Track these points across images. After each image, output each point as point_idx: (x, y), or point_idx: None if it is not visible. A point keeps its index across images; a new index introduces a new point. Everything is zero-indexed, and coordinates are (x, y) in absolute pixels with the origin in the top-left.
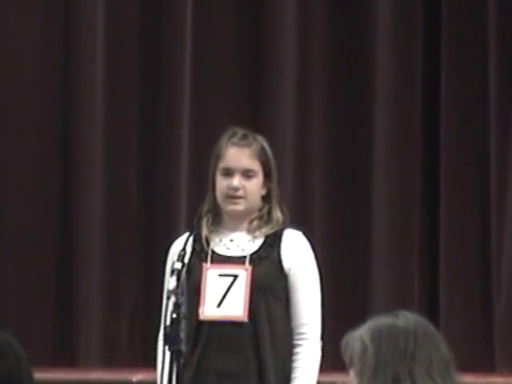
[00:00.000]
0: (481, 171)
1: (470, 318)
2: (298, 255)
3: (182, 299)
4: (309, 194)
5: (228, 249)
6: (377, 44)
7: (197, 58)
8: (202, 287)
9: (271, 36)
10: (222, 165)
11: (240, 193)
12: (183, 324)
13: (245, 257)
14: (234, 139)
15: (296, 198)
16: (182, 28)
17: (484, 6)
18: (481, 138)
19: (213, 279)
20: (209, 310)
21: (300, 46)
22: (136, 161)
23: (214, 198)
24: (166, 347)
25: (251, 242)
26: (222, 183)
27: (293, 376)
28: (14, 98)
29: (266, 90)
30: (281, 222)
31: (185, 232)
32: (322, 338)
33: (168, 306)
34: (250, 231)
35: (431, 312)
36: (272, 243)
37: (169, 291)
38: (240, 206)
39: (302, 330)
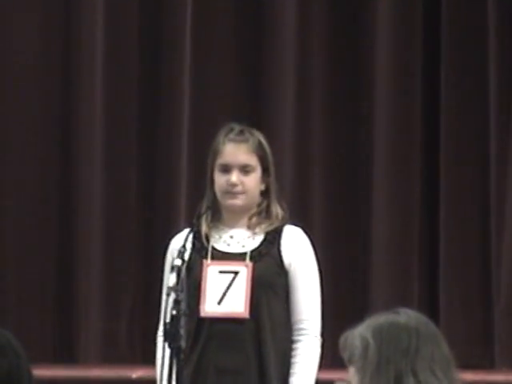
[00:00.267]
0: (481, 171)
1: (470, 316)
2: (298, 251)
3: (182, 296)
4: (308, 194)
5: (228, 245)
6: (377, 44)
7: (196, 57)
8: (203, 284)
9: (271, 36)
10: (219, 161)
11: (238, 188)
12: (183, 321)
13: (245, 253)
14: (231, 135)
15: (296, 198)
16: (182, 28)
17: (484, 6)
18: (481, 138)
19: (213, 276)
20: (210, 307)
21: (300, 45)
22: (136, 161)
23: (213, 195)
24: (166, 344)
25: (251, 238)
26: (220, 179)
27: (292, 371)
28: (14, 97)
29: (266, 90)
30: (280, 217)
31: (184, 228)
32: (322, 334)
33: (168, 303)
34: (249, 227)
35: (431, 311)
36: (272, 240)
37: (169, 288)
38: (239, 201)
39: (301, 326)
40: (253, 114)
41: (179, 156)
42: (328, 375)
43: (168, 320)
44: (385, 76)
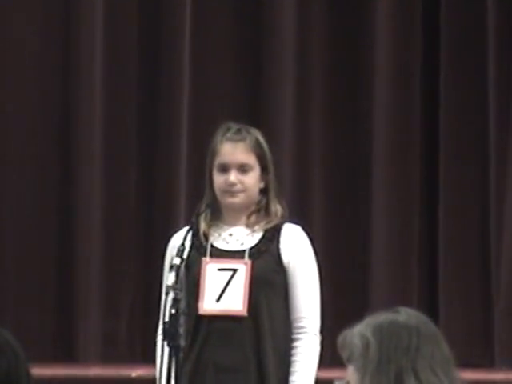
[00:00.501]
0: (481, 171)
1: (470, 315)
2: (297, 249)
3: (181, 295)
4: (308, 194)
5: (227, 243)
6: (376, 44)
7: (196, 57)
8: (202, 282)
9: (271, 36)
10: (217, 161)
11: (237, 188)
12: (182, 319)
13: (244, 251)
14: (229, 134)
15: (296, 198)
16: (181, 28)
17: (483, 6)
18: (480, 138)
19: (212, 273)
20: (208, 305)
21: (299, 45)
22: (135, 161)
23: (213, 194)
24: (165, 342)
25: (250, 236)
26: (218, 179)
27: (292, 369)
28: (13, 98)
29: (266, 90)
30: (279, 215)
31: (183, 227)
32: (321, 332)
33: (167, 302)
34: (248, 225)
35: (431, 310)
36: (271, 237)
37: (168, 287)
38: (238, 199)
39: (300, 324)
40: (252, 114)
41: (178, 156)
42: (327, 374)
43: (167, 319)
44: (384, 76)
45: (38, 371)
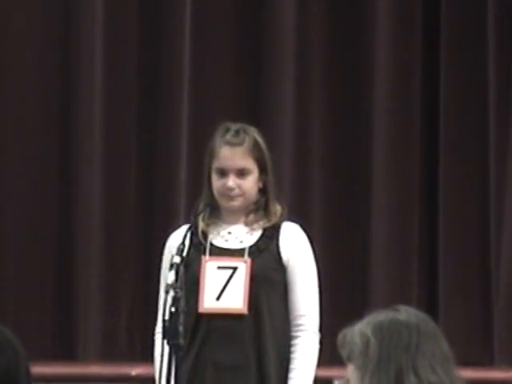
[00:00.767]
0: (481, 171)
1: (470, 314)
2: (296, 247)
3: (181, 293)
4: (308, 195)
5: (226, 241)
6: (376, 44)
7: (196, 57)
8: (201, 280)
9: (271, 36)
10: (216, 164)
11: (236, 192)
12: (182, 318)
13: (243, 249)
14: (227, 136)
15: (295, 198)
16: (181, 28)
17: (483, 5)
18: (480, 138)
19: (212, 272)
20: (208, 303)
21: (299, 45)
22: (135, 161)
23: (211, 194)
24: (165, 341)
25: (249, 234)
26: (217, 183)
27: (291, 367)
28: (13, 97)
29: (266, 90)
30: (278, 214)
31: (182, 225)
32: (320, 329)
33: (167, 300)
34: (247, 224)
35: (430, 310)
36: (270, 236)
37: (168, 285)
38: (237, 202)
39: (299, 322)
40: (252, 114)
41: (178, 156)
42: (327, 372)
43: (167, 317)
44: (384, 76)
45: (37, 369)
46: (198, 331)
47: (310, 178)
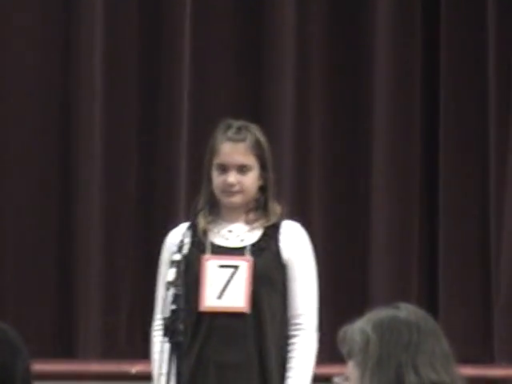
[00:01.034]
0: (480, 171)
1: (470, 313)
2: (296, 246)
3: (181, 291)
4: (307, 194)
5: (227, 239)
6: (376, 43)
7: (196, 57)
8: (202, 279)
9: (271, 35)
10: (216, 160)
11: (236, 188)
12: (182, 316)
13: (244, 247)
14: (229, 133)
15: (295, 198)
16: (181, 27)
17: (483, 5)
18: (480, 138)
19: (213, 270)
20: (209, 302)
21: (299, 45)
22: (135, 161)
23: (211, 191)
24: (166, 339)
25: (250, 232)
26: (217, 179)
27: (289, 366)
28: (12, 97)
29: (266, 90)
30: (278, 212)
31: (181, 223)
32: (320, 328)
33: (167, 297)
34: (248, 222)
35: (430, 309)
36: (271, 234)
37: (168, 283)
38: (237, 199)
39: (298, 321)
40: (252, 114)
41: (178, 156)
42: (327, 370)
43: (167, 315)
44: (384, 76)
45: (37, 367)
46: (199, 330)
47: (309, 178)
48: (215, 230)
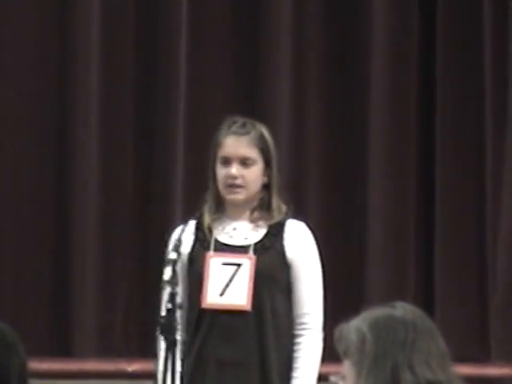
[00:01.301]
0: (476, 171)
1: (466, 311)
2: (301, 246)
3: (178, 289)
4: (304, 194)
5: (231, 237)
6: (372, 43)
7: (192, 57)
8: (205, 275)
9: (267, 35)
10: (220, 153)
11: (239, 181)
12: (179, 314)
13: (248, 246)
14: (233, 128)
15: (291, 197)
16: (178, 28)
17: (479, 5)
18: (477, 138)
19: (216, 268)
20: (211, 299)
21: (296, 44)
22: (132, 160)
23: (216, 188)
24: (161, 337)
25: (254, 231)
26: (221, 172)
27: (294, 365)
28: (10, 98)
29: (262, 90)
30: (283, 211)
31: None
32: (324, 328)
33: (164, 296)
34: (252, 221)
35: (427, 307)
36: (275, 233)
37: (164, 281)
38: (240, 196)
39: (303, 320)
40: (249, 113)
41: (175, 156)
42: (324, 369)
43: (163, 313)
44: (381, 75)
45: (34, 366)
46: (200, 327)
47: (306, 178)
48: (220, 228)
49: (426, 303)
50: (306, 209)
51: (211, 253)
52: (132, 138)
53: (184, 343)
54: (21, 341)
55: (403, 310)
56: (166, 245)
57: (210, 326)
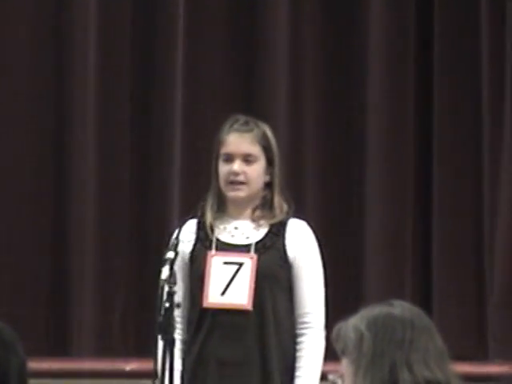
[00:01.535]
0: (474, 171)
1: (464, 310)
2: (303, 245)
3: (175, 288)
4: (301, 194)
5: (232, 236)
6: (369, 43)
7: (189, 58)
8: (207, 274)
9: (264, 35)
10: (222, 150)
11: (241, 178)
12: (176, 313)
13: (250, 245)
14: (236, 125)
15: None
16: (174, 28)
17: (476, 5)
18: (474, 138)
19: (217, 267)
20: (213, 298)
21: (293, 45)
22: (129, 161)
23: (218, 186)
24: (159, 336)
25: (256, 230)
26: (223, 169)
27: (297, 365)
28: (8, 98)
29: (260, 89)
30: (284, 210)
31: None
32: (326, 327)
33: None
34: (254, 220)
35: (425, 306)
36: (277, 232)
37: (161, 280)
38: (242, 193)
39: (305, 319)
40: (246, 113)
41: (172, 156)
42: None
43: (161, 313)
44: (378, 75)
45: (32, 365)
46: (201, 326)
47: (304, 178)
48: (221, 227)
49: (424, 302)
50: (303, 208)
51: (213, 252)
52: (130, 138)
53: (185, 342)
54: (19, 340)
55: (401, 308)
56: (165, 244)
57: (211, 325)
